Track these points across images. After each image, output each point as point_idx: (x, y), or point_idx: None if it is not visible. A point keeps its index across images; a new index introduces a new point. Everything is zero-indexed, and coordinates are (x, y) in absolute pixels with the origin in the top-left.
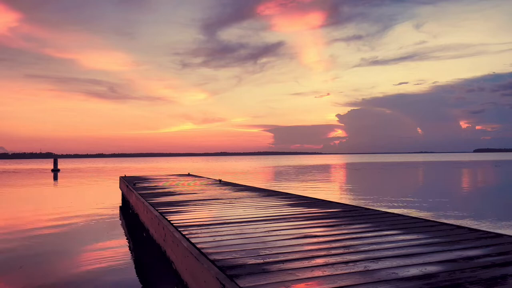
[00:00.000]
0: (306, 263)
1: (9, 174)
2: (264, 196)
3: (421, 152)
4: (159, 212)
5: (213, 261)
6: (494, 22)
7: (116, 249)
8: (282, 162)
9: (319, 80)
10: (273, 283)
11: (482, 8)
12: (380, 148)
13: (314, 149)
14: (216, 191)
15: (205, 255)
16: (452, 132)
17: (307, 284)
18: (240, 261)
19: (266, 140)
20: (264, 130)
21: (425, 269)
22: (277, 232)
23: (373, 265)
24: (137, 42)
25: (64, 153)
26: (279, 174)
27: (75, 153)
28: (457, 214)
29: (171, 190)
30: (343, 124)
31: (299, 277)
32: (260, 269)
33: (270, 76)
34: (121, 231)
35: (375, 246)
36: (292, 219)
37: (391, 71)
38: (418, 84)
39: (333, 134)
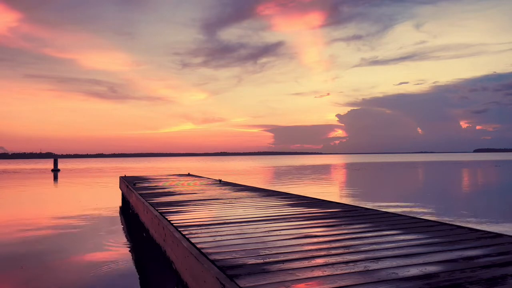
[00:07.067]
0: (306, 263)
1: (9, 174)
2: (264, 196)
3: (421, 152)
4: (159, 212)
5: (213, 261)
6: (494, 22)
7: (116, 249)
8: (282, 162)
9: (319, 80)
10: (273, 283)
11: (482, 8)
12: (380, 148)
13: (314, 149)
14: (216, 191)
15: (205, 255)
16: (452, 132)
17: (307, 284)
18: (240, 261)
19: (266, 140)
20: (264, 130)
21: (425, 269)
22: (277, 232)
23: (373, 265)
24: (137, 42)
25: (64, 153)
26: (279, 174)
27: (75, 153)
28: (457, 214)
29: (171, 190)
30: (343, 124)
31: (299, 277)
32: (260, 269)
33: (270, 76)
34: (121, 231)
35: (375, 246)
36: (292, 219)
37: (391, 71)
38: (418, 84)
39: (333, 134)
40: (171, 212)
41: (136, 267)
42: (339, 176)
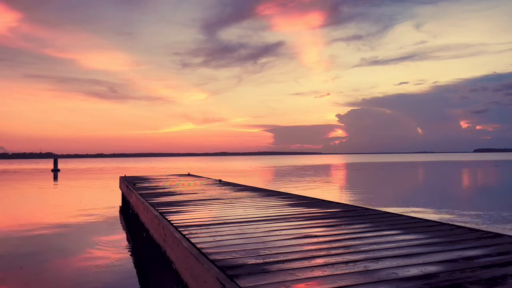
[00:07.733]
0: (306, 263)
1: (9, 174)
2: (264, 196)
3: (421, 152)
4: (159, 212)
5: (213, 261)
6: (494, 22)
7: (116, 249)
8: (282, 162)
9: (319, 80)
10: (273, 283)
11: (482, 8)
12: (380, 148)
13: (314, 149)
14: (216, 191)
15: (205, 255)
16: (453, 132)
17: (307, 284)
18: (240, 261)
19: (266, 140)
20: (264, 130)
21: (425, 269)
22: (277, 232)
23: (373, 265)
24: (137, 42)
25: (64, 153)
26: (279, 174)
27: (75, 153)
28: (457, 214)
29: (171, 190)
30: (343, 124)
31: (299, 277)
32: (260, 269)
33: (270, 76)
34: (121, 231)
35: (375, 246)
36: (292, 219)
37: (391, 71)
38: (418, 84)
39: (333, 134)
40: (171, 212)
41: (136, 267)
42: (339, 176)
